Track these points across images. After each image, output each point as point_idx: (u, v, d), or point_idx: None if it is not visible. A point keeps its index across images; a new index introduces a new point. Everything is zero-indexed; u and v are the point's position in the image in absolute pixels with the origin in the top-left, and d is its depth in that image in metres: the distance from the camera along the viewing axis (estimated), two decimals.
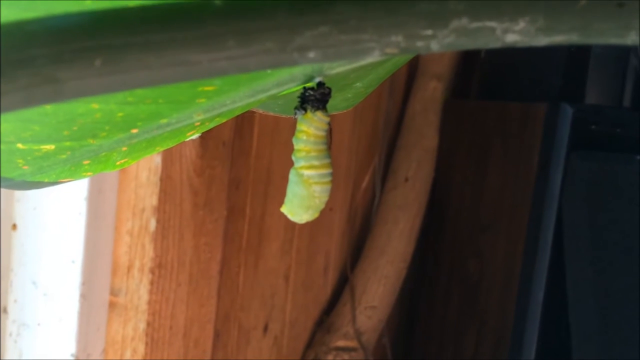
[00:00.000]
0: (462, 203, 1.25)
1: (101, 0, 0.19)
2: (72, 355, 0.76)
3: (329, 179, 0.34)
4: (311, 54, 0.19)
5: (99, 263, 0.77)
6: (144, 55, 0.18)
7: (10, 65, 0.18)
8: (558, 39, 0.19)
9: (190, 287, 0.83)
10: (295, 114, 0.33)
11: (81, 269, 0.75)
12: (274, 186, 0.97)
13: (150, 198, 0.76)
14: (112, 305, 0.79)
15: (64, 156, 0.29)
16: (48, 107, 0.25)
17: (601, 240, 1.05)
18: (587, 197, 1.06)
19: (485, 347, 1.19)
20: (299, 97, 0.33)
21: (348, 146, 1.16)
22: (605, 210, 1.07)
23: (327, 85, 0.32)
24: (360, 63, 0.31)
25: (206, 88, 0.27)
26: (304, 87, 0.32)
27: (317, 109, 0.32)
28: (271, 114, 0.39)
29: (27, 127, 0.26)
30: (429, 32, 0.19)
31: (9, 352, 0.78)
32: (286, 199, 0.34)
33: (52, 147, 0.27)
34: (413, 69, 1.27)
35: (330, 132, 0.34)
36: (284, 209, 0.35)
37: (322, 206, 0.34)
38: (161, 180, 0.76)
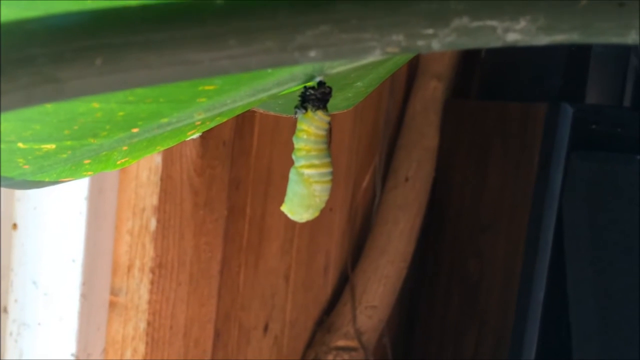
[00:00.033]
0: (462, 203, 1.25)
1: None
2: (72, 354, 0.76)
3: (329, 177, 0.34)
4: (312, 53, 0.19)
5: (99, 263, 0.77)
6: (144, 54, 0.18)
7: (10, 64, 0.18)
8: (559, 38, 0.19)
9: (190, 287, 0.83)
10: (296, 113, 0.33)
11: (81, 268, 0.75)
12: (274, 186, 0.97)
13: (150, 198, 0.76)
14: (112, 305, 0.79)
15: (64, 155, 0.29)
16: (49, 106, 0.25)
17: (601, 240, 1.05)
18: (587, 197, 1.06)
19: (485, 347, 1.19)
20: (299, 96, 0.33)
21: (348, 146, 1.15)
22: (606, 210, 1.07)
23: (327, 84, 0.32)
24: (361, 62, 0.31)
25: (207, 87, 0.27)
26: (305, 87, 0.32)
27: (318, 108, 0.32)
28: (272, 113, 0.39)
29: (27, 126, 0.26)
30: (430, 31, 0.19)
31: (10, 351, 0.78)
32: (286, 198, 0.34)
33: (53, 146, 0.27)
34: (413, 69, 1.27)
35: (330, 131, 0.34)
36: (284, 208, 0.35)
37: (323, 205, 0.34)
38: (161, 179, 0.76)
